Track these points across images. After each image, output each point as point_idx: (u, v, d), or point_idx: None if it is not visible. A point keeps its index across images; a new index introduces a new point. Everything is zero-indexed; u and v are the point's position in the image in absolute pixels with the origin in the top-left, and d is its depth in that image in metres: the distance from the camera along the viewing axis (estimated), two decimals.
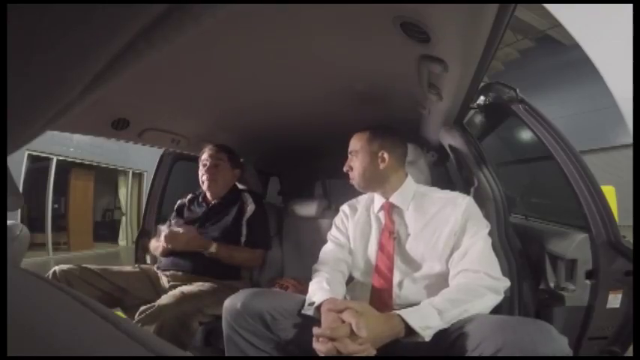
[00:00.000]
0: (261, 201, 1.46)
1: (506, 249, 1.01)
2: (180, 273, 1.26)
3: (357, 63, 0.90)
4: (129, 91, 1.05)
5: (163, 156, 1.73)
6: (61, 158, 6.14)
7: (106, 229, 7.96)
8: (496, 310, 0.78)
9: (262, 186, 1.98)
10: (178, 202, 1.50)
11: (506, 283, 0.81)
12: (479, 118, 1.34)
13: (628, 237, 0.91)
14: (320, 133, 1.51)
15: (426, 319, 0.69)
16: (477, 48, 0.68)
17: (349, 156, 1.00)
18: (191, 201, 1.48)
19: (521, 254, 1.03)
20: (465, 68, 0.79)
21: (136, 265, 1.35)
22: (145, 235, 1.62)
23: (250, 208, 1.37)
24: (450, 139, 1.22)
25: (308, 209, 1.67)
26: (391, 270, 0.90)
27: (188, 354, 0.98)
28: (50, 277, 1.10)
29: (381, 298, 0.89)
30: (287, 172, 2.20)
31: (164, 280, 1.27)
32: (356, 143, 0.98)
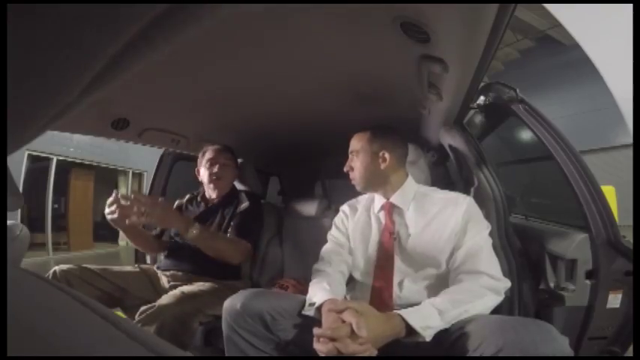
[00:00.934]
0: (257, 200, 1.45)
1: (506, 249, 1.01)
2: (180, 273, 1.26)
3: (357, 63, 0.90)
4: (129, 91, 1.05)
5: (163, 156, 1.73)
6: (61, 158, 6.15)
7: (106, 229, 7.92)
8: (496, 311, 0.78)
9: (262, 186, 1.98)
10: (176, 202, 1.49)
11: (506, 283, 0.81)
12: (479, 118, 1.34)
13: (628, 237, 0.90)
14: (320, 133, 1.51)
15: (427, 319, 0.69)
16: (477, 48, 0.68)
17: (350, 156, 1.00)
18: (189, 201, 1.48)
19: (521, 254, 1.03)
20: (465, 68, 0.79)
21: (136, 265, 1.35)
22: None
23: (245, 204, 1.36)
24: (450, 139, 1.22)
25: (308, 209, 1.67)
26: (391, 270, 0.90)
27: (188, 354, 0.98)
28: (50, 277, 1.10)
29: (381, 299, 0.89)
30: (287, 172, 2.20)
31: (164, 280, 1.27)
32: (356, 143, 0.98)
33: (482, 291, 0.77)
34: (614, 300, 0.91)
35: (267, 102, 1.20)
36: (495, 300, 0.77)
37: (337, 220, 1.08)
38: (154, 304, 1.01)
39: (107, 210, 1.08)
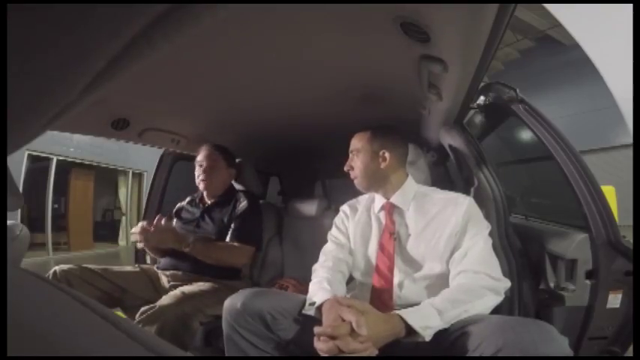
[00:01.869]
0: (256, 200, 1.45)
1: (506, 249, 1.01)
2: (180, 273, 1.26)
3: (357, 63, 0.90)
4: (129, 91, 1.05)
5: (163, 156, 1.73)
6: (61, 158, 6.14)
7: (106, 229, 7.96)
8: (496, 311, 0.78)
9: (262, 186, 1.98)
10: (177, 205, 1.50)
11: (506, 283, 0.81)
12: (479, 118, 1.34)
13: (628, 237, 0.90)
14: (320, 133, 1.51)
15: (426, 319, 0.69)
16: (477, 48, 0.68)
17: (350, 155, 1.00)
18: (189, 203, 1.48)
19: (521, 254, 1.03)
20: (465, 68, 0.79)
21: (136, 265, 1.35)
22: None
23: (243, 205, 1.36)
24: (450, 139, 1.22)
25: (308, 209, 1.67)
26: (391, 270, 0.90)
27: (188, 354, 0.98)
28: (50, 277, 1.10)
29: (381, 299, 0.89)
30: (287, 172, 2.20)
31: (164, 280, 1.27)
32: (357, 143, 0.99)
33: (482, 291, 0.77)
34: (614, 300, 0.91)
35: (268, 102, 1.20)
36: (495, 300, 0.77)
37: (337, 220, 1.08)
38: (154, 304, 1.01)
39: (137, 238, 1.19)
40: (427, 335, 0.67)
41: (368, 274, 0.95)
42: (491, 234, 0.88)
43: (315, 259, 1.00)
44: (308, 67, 0.94)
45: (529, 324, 0.62)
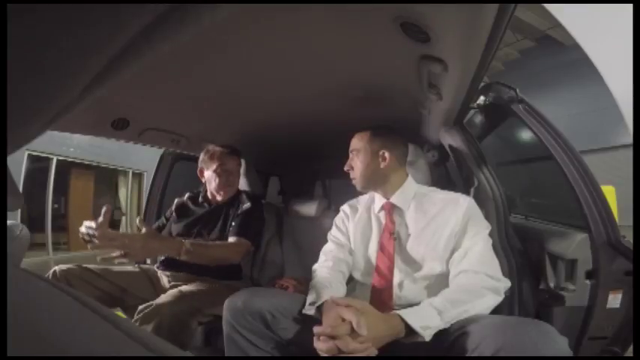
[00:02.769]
0: (259, 201, 1.45)
1: (506, 249, 1.01)
2: (180, 273, 1.26)
3: (357, 63, 0.90)
4: (129, 91, 1.05)
5: (163, 156, 1.73)
6: (61, 158, 6.14)
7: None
8: (496, 311, 0.78)
9: (262, 186, 1.98)
10: (176, 200, 1.47)
11: (506, 283, 0.81)
12: (479, 118, 1.34)
13: (628, 237, 0.90)
14: (320, 133, 1.51)
15: (426, 319, 0.69)
16: (477, 48, 0.68)
17: (350, 155, 1.00)
18: (191, 200, 1.46)
19: (521, 254, 1.03)
20: (465, 68, 0.79)
21: (136, 265, 1.35)
22: None
23: (246, 205, 1.36)
24: (450, 139, 1.22)
25: (308, 209, 1.67)
26: (391, 270, 0.90)
27: (188, 354, 0.98)
28: (50, 277, 1.10)
29: (381, 299, 0.89)
30: (287, 172, 2.20)
31: (164, 280, 1.27)
32: (357, 142, 0.99)
33: (482, 291, 0.77)
34: (614, 300, 0.91)
35: (268, 102, 1.20)
36: (495, 300, 0.77)
37: (337, 220, 1.08)
38: (151, 302, 1.01)
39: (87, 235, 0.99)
40: (427, 335, 0.67)
41: (368, 274, 0.95)
42: (491, 234, 0.88)
43: (315, 259, 1.00)
44: (308, 67, 0.94)
45: (529, 324, 0.62)
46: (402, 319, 0.69)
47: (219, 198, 1.38)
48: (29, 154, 5.49)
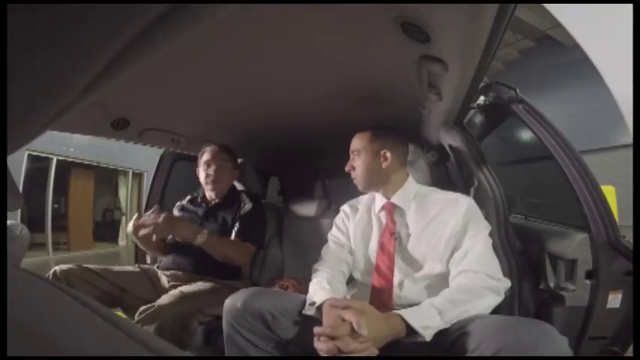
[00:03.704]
0: (259, 201, 1.45)
1: (506, 249, 1.01)
2: (180, 273, 1.26)
3: (357, 63, 0.90)
4: (129, 91, 1.05)
5: (163, 156, 1.73)
6: (61, 158, 6.15)
7: (106, 229, 7.95)
8: (496, 311, 0.78)
9: (262, 186, 1.98)
10: (177, 203, 1.50)
11: (506, 283, 0.81)
12: (479, 118, 1.34)
13: (628, 237, 0.90)
14: (320, 133, 1.51)
15: (426, 319, 0.69)
16: (477, 48, 0.68)
17: (351, 155, 1.00)
18: (190, 202, 1.48)
19: (521, 254, 1.03)
20: (465, 68, 0.79)
21: (136, 265, 1.35)
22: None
23: (247, 206, 1.37)
24: (450, 139, 1.22)
25: (308, 209, 1.67)
26: (392, 270, 0.90)
27: (188, 354, 0.98)
28: (50, 277, 1.10)
29: (381, 299, 0.89)
30: (287, 172, 2.20)
31: (164, 280, 1.27)
32: (358, 142, 0.99)
33: (482, 291, 0.77)
34: (614, 300, 0.91)
35: (268, 102, 1.20)
36: (495, 300, 0.77)
37: (338, 220, 1.08)
38: (153, 304, 1.01)
39: (133, 230, 1.15)
40: (427, 335, 0.67)
41: (368, 274, 0.95)
42: (491, 234, 0.88)
43: (315, 259, 1.00)
44: (308, 67, 0.94)
45: (529, 324, 0.62)
46: (403, 319, 0.69)
47: (212, 196, 1.40)
48: (29, 154, 5.49)
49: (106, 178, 7.82)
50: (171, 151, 1.70)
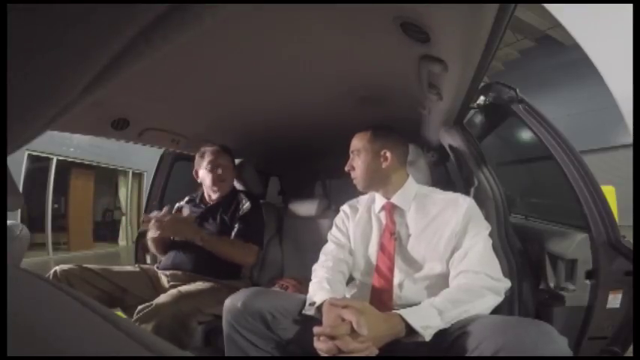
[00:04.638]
0: (258, 201, 1.45)
1: (506, 249, 1.01)
2: (180, 273, 1.26)
3: (357, 63, 0.91)
4: (129, 91, 1.05)
5: (163, 156, 1.73)
6: (61, 158, 6.15)
7: (106, 229, 7.96)
8: (496, 311, 0.78)
9: (262, 186, 1.99)
10: (176, 204, 1.50)
11: (506, 283, 0.81)
12: (479, 118, 1.34)
13: (628, 237, 0.90)
14: (320, 133, 1.51)
15: (426, 319, 0.69)
16: (477, 48, 0.68)
17: (351, 155, 1.00)
18: (189, 203, 1.48)
19: (522, 254, 1.03)
20: (465, 68, 0.79)
21: (136, 265, 1.35)
22: (145, 235, 1.62)
23: (246, 206, 1.37)
24: (450, 139, 1.22)
25: (308, 209, 1.67)
26: (392, 270, 0.90)
27: (188, 354, 0.98)
28: (50, 277, 1.10)
29: (381, 299, 0.89)
30: (287, 172, 2.20)
31: (164, 280, 1.27)
32: (358, 143, 0.99)
33: (482, 291, 0.76)
34: (614, 300, 0.91)
35: (268, 102, 1.20)
36: (495, 300, 0.77)
37: (338, 220, 1.08)
38: (151, 302, 1.01)
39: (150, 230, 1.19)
40: (427, 335, 0.67)
41: (368, 274, 0.95)
42: (491, 234, 0.88)
43: (315, 259, 1.00)
44: (308, 67, 0.94)
45: (529, 324, 0.62)
46: (403, 319, 0.69)
47: (214, 196, 1.40)
48: (29, 154, 5.49)
49: (106, 178, 7.82)
50: (171, 151, 1.70)
